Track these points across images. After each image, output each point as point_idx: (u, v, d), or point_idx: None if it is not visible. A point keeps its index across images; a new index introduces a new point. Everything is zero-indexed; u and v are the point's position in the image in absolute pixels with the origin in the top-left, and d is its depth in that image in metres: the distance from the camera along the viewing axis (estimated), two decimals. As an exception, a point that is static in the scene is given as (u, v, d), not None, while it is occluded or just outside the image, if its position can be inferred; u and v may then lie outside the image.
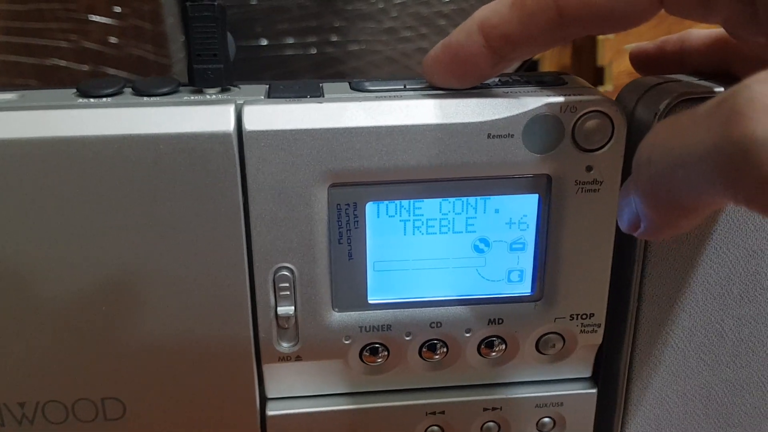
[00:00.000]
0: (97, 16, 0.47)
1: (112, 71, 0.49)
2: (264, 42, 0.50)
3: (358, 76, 0.55)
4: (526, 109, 0.27)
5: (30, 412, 0.29)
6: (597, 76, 0.65)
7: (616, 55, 0.64)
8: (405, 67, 0.53)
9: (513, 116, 0.27)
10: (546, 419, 0.32)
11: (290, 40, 0.52)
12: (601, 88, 0.64)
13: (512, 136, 0.27)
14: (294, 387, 0.31)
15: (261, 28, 0.49)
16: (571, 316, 0.30)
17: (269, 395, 0.31)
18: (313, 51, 0.51)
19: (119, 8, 0.48)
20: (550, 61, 0.65)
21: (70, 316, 0.28)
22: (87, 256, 0.27)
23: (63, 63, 0.48)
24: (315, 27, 0.51)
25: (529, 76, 0.30)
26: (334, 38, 0.51)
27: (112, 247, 0.27)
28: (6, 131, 0.25)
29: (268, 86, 0.29)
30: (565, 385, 0.32)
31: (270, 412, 0.31)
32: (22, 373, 0.29)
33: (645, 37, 0.69)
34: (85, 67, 0.49)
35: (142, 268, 0.27)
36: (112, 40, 0.48)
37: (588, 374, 0.33)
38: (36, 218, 0.26)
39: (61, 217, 0.26)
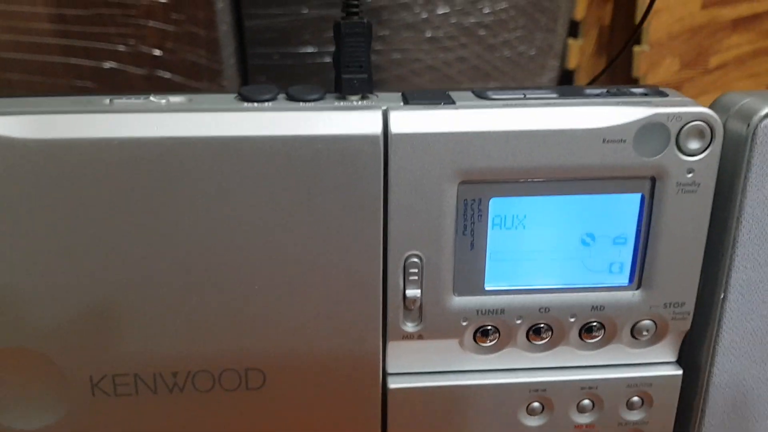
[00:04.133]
0: (155, 22, 0.49)
1: (167, 75, 0.52)
2: (310, 49, 0.52)
3: (400, 84, 0.56)
4: (637, 118, 0.30)
5: (181, 381, 0.33)
6: (634, 35, 0.65)
7: (653, 16, 0.65)
8: (445, 75, 0.55)
9: (626, 124, 0.30)
10: (636, 398, 0.36)
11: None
12: (637, 48, 0.65)
13: (624, 141, 0.31)
14: (413, 363, 0.35)
15: (309, 35, 0.52)
16: (664, 304, 0.34)
17: (390, 370, 0.35)
18: (358, 59, 0.54)
19: (176, 15, 0.49)
20: (591, 20, 0.65)
21: (225, 293, 0.31)
22: (249, 241, 0.31)
23: (120, 66, 0.50)
24: (360, 36, 0.54)
25: (634, 89, 0.33)
26: (378, 47, 0.53)
27: (271, 231, 0.30)
28: (184, 130, 0.29)
29: (401, 94, 0.32)
30: (654, 368, 0.36)
31: (391, 386, 0.34)
32: (178, 345, 0.32)
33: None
34: (141, 71, 0.52)
35: (292, 252, 0.31)
36: (168, 45, 0.50)
37: (674, 358, 0.36)
38: (206, 206, 0.30)
39: (229, 204, 0.30)
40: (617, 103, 0.31)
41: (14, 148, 0.29)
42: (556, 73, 0.62)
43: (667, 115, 0.30)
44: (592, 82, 0.53)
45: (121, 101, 0.31)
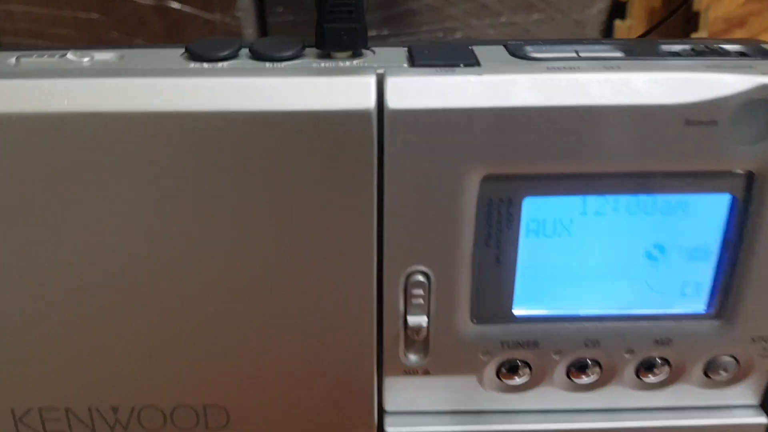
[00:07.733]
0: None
1: (176, 5, 0.45)
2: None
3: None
4: (737, 90, 0.21)
5: (124, 418, 0.26)
6: (691, 22, 0.58)
7: (713, 0, 0.57)
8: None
9: (720, 98, 0.22)
10: (706, 451, 0.28)
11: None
12: (694, 35, 0.58)
13: (715, 123, 0.22)
14: (416, 401, 0.27)
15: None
16: (752, 338, 0.25)
17: (388, 408, 0.27)
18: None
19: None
20: (639, 4, 0.58)
21: (172, 313, 0.24)
22: (200, 245, 0.23)
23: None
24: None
25: (725, 45, 0.24)
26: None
27: (230, 234, 0.23)
28: (109, 102, 0.21)
29: (407, 50, 0.24)
30: (730, 413, 0.28)
31: (389, 429, 0.27)
32: (117, 375, 0.25)
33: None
34: (150, 1, 0.46)
35: (259, 261, 0.23)
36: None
37: (756, 402, 0.28)
38: (144, 198, 0.22)
39: (170, 197, 0.22)
40: (708, 68, 0.22)
41: None
42: (605, 3, 0.53)
43: (780, 86, 0.21)
44: (659, 25, 0.43)
45: (30, 60, 0.23)
